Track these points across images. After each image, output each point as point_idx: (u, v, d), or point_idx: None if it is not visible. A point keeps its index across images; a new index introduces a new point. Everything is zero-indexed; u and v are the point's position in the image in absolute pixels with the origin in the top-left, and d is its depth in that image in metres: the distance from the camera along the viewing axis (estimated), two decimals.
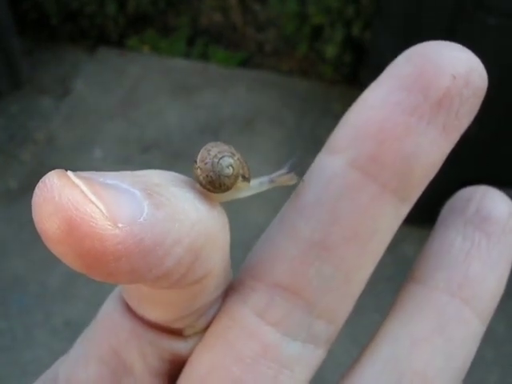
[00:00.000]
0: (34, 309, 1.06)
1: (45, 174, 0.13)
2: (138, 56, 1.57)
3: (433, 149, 0.17)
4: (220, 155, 0.16)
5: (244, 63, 1.58)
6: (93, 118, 1.40)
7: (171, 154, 1.32)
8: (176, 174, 0.15)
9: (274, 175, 0.18)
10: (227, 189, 0.16)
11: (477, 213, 0.19)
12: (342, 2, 1.33)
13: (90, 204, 0.12)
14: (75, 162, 1.29)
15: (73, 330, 1.01)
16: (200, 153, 0.16)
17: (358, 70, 1.44)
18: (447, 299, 0.18)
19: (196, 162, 0.16)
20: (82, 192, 0.12)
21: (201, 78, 1.50)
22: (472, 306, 0.18)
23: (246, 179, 0.17)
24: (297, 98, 1.46)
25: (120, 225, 0.12)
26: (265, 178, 0.18)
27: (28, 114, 1.41)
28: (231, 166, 0.16)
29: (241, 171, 0.16)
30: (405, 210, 0.18)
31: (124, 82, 1.49)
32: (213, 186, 0.16)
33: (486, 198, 0.19)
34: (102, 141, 1.35)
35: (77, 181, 0.12)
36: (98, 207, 0.12)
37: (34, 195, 0.13)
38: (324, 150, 0.18)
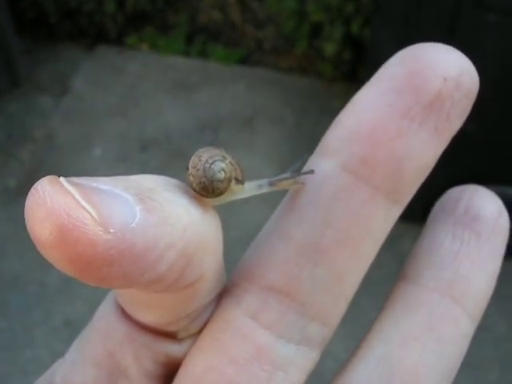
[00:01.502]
0: (33, 308, 1.06)
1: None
2: (137, 54, 1.57)
3: (424, 150, 0.17)
4: (211, 160, 0.16)
5: (243, 61, 1.57)
6: (92, 116, 1.40)
7: (170, 152, 1.32)
8: (169, 179, 0.15)
9: (275, 179, 0.18)
10: (221, 193, 0.16)
11: (466, 212, 0.19)
12: None
13: (81, 210, 0.12)
14: (74, 161, 1.29)
15: (72, 329, 1.02)
16: (191, 159, 0.16)
17: (358, 67, 1.44)
18: (437, 298, 0.18)
19: (188, 168, 0.16)
20: (74, 198, 0.12)
21: (200, 75, 1.50)
22: (462, 305, 0.18)
23: (240, 182, 0.17)
24: (296, 95, 1.45)
25: (112, 230, 0.12)
26: (264, 181, 0.18)
27: (27, 112, 1.41)
28: (223, 170, 0.16)
29: (233, 174, 0.16)
30: (397, 211, 0.18)
31: (123, 80, 1.49)
32: (206, 191, 0.16)
33: (475, 197, 0.19)
34: (101, 139, 1.35)
35: (69, 187, 0.13)
36: (89, 213, 0.12)
37: (27, 201, 0.13)
38: (316, 152, 0.18)
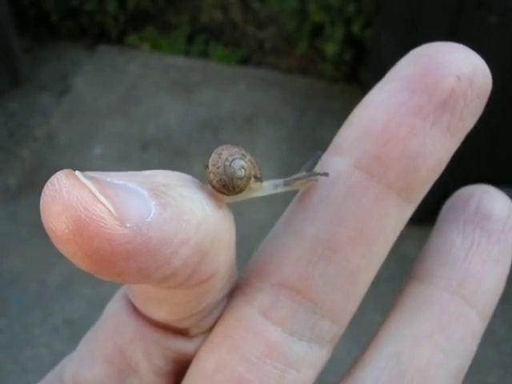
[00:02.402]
0: (33, 307, 1.06)
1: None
2: (138, 54, 1.57)
3: (437, 149, 0.17)
4: (231, 158, 0.16)
5: (244, 61, 1.57)
6: (92, 116, 1.40)
7: (171, 152, 1.32)
8: (182, 174, 0.15)
9: (289, 178, 0.18)
10: (241, 191, 0.16)
11: (476, 211, 0.19)
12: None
13: (98, 204, 0.12)
14: (75, 160, 1.28)
15: (72, 328, 1.01)
16: (211, 157, 0.16)
17: (358, 68, 1.44)
18: (448, 297, 0.18)
19: (208, 166, 0.16)
20: (91, 192, 0.12)
21: (201, 75, 1.50)
22: (472, 304, 0.18)
23: (259, 179, 0.17)
24: (297, 96, 1.45)
25: (128, 225, 0.12)
26: (280, 181, 0.18)
27: (28, 111, 1.40)
28: (243, 167, 0.16)
29: (252, 172, 0.16)
30: (409, 210, 0.18)
31: (124, 79, 1.49)
32: (227, 189, 0.16)
33: (485, 197, 0.19)
34: (102, 138, 1.35)
35: (85, 181, 0.13)
36: (106, 207, 0.12)
37: (42, 195, 0.13)
38: (329, 150, 0.18)
